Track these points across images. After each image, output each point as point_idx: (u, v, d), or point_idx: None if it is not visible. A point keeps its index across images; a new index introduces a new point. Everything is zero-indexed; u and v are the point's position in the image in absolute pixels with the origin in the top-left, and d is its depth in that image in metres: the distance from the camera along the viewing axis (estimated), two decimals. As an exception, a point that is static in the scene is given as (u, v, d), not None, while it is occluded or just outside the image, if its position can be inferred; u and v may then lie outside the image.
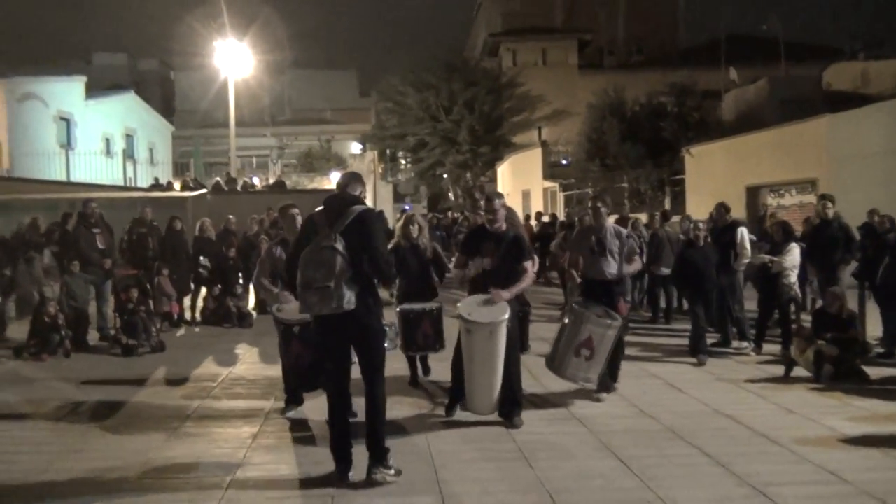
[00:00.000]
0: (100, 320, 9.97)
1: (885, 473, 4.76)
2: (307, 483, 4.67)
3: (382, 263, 4.66)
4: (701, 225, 8.88)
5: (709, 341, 8.58)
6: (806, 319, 8.96)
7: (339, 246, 4.44)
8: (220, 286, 11.49)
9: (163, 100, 44.98)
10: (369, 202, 6.51)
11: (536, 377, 7.11)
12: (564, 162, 29.67)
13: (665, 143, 22.68)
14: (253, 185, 26.39)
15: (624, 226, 9.38)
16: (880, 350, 8.30)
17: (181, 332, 10.98)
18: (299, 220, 5.97)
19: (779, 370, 7.64)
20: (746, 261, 9.02)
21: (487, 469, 4.90)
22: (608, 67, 40.10)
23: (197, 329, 11.23)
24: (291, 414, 6.19)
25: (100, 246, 9.95)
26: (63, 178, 22.10)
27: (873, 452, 5.17)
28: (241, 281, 11.97)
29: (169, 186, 23.96)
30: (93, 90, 29.31)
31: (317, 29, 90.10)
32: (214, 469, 4.93)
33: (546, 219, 20.01)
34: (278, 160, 42.24)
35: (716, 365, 8.08)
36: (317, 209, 4.78)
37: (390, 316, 6.00)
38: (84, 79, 28.66)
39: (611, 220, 7.26)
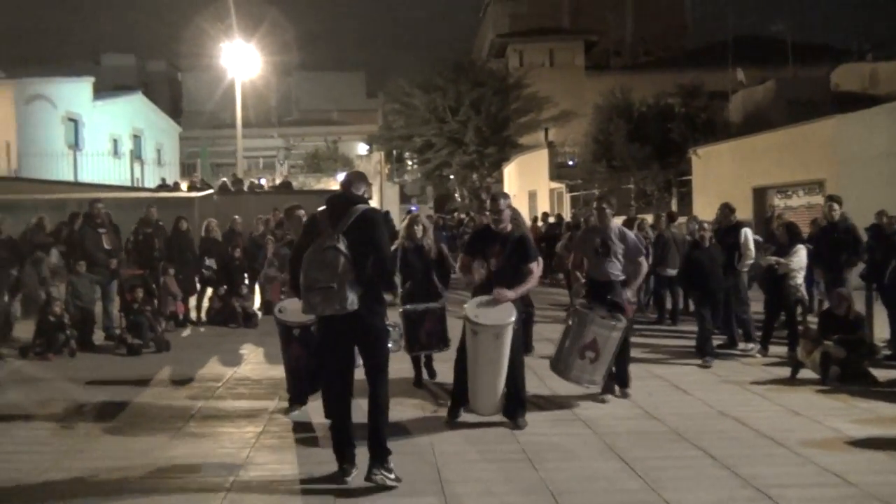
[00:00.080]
0: (105, 320, 10.03)
1: (890, 476, 4.73)
2: (310, 483, 4.67)
3: (386, 263, 4.65)
4: (706, 226, 8.85)
5: (714, 343, 8.55)
6: (813, 321, 8.90)
7: (342, 246, 4.42)
8: (225, 286, 11.53)
9: (170, 101, 45.05)
10: (375, 203, 6.51)
11: (541, 378, 7.10)
12: (571, 163, 29.64)
13: (672, 144, 22.56)
14: (260, 186, 26.40)
15: (630, 227, 9.36)
16: (888, 352, 8.26)
17: (186, 332, 11.03)
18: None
19: (784, 372, 7.61)
20: (750, 262, 8.99)
21: (490, 470, 4.88)
22: (615, 68, 40.02)
23: (202, 329, 11.27)
24: (295, 414, 6.19)
25: (106, 246, 10.01)
26: (71, 178, 22.14)
27: (879, 455, 5.14)
28: (246, 281, 12.01)
29: (176, 187, 24.00)
30: (101, 91, 29.34)
31: (324, 30, 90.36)
32: (218, 469, 4.93)
33: (552, 220, 19.98)
34: (285, 161, 42.26)
35: (721, 366, 8.05)
36: (320, 208, 4.77)
37: (394, 317, 6.00)
38: (92, 80, 28.69)
39: (618, 221, 7.23)
